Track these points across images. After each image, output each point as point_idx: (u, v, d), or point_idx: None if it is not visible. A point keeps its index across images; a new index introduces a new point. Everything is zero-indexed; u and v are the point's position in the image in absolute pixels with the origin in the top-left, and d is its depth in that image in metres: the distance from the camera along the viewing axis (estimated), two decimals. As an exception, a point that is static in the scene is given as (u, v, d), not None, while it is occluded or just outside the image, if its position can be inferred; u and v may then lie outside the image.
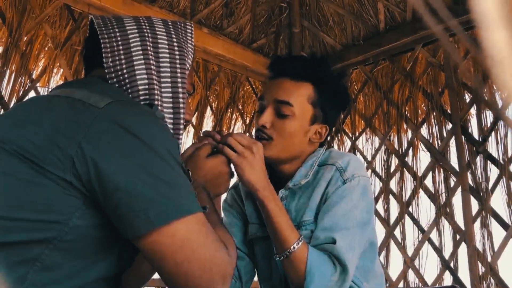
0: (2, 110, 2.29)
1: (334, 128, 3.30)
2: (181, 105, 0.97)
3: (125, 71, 0.92)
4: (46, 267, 0.72)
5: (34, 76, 2.54)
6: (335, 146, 3.33)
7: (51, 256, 0.73)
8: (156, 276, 1.04)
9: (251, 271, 1.46)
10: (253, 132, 1.41)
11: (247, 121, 3.48)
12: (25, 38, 2.50)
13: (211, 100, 3.41)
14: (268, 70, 1.43)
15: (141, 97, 0.92)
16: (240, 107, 3.48)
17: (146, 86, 0.93)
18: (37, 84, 2.51)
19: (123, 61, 0.92)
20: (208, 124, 3.37)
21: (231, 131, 3.40)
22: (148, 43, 0.95)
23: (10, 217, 0.72)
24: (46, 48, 2.70)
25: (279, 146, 1.30)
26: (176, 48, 0.99)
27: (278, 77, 1.37)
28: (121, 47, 0.93)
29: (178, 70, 0.98)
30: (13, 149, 0.75)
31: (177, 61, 0.98)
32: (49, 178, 0.73)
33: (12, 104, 2.34)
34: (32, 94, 2.45)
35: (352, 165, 1.30)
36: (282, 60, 1.44)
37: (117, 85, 0.92)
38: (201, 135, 1.25)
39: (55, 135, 0.75)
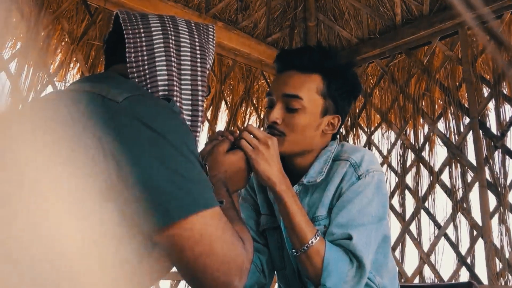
0: (21, 105, 2.32)
1: (349, 123, 3.29)
2: (200, 103, 0.98)
3: (146, 66, 0.93)
4: None
5: (51, 71, 2.56)
6: (351, 141, 3.31)
7: None
8: (172, 269, 1.05)
9: (273, 263, 1.46)
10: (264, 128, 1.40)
11: (262, 116, 3.48)
12: (43, 33, 2.53)
13: (225, 94, 3.41)
14: (275, 64, 1.40)
15: (160, 93, 0.93)
16: (254, 101, 3.48)
17: (166, 82, 0.93)
18: (55, 79, 2.54)
19: (145, 57, 0.93)
20: (222, 119, 3.39)
21: (245, 125, 3.40)
22: (170, 41, 0.96)
23: None
24: (63, 43, 2.73)
25: (292, 141, 1.29)
26: (197, 48, 1.00)
27: (285, 71, 1.35)
28: (144, 43, 0.94)
29: (199, 69, 0.98)
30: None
31: (198, 60, 0.99)
32: (69, 173, 0.74)
33: (30, 99, 2.37)
34: (49, 88, 2.48)
35: (366, 161, 1.29)
36: (288, 52, 1.41)
37: (137, 80, 0.93)
38: (216, 134, 1.25)
39: (75, 130, 0.76)
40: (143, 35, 0.95)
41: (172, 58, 0.95)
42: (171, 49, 0.96)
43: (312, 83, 1.31)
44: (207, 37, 1.04)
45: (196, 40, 1.00)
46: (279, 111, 1.30)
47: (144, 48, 0.94)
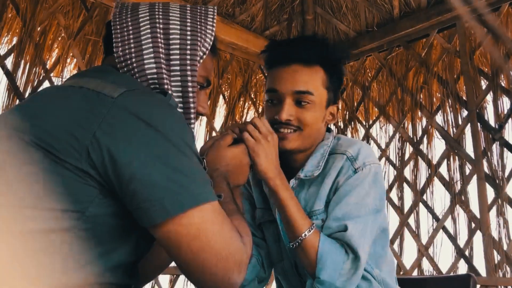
0: (18, 101, 2.32)
1: (348, 116, 3.29)
2: (191, 94, 0.96)
3: (134, 59, 0.92)
4: (65, 255, 0.73)
5: (48, 66, 2.55)
6: (349, 134, 3.31)
7: (70, 244, 0.73)
8: (172, 264, 1.05)
9: (270, 256, 1.46)
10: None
11: (260, 110, 3.47)
12: (39, 29, 2.52)
13: (223, 88, 3.41)
14: (271, 57, 1.35)
15: (151, 86, 0.93)
16: (252, 95, 3.47)
17: (155, 75, 0.93)
18: (51, 74, 2.53)
19: (133, 50, 0.93)
20: (220, 113, 3.38)
21: (243, 119, 3.40)
22: (158, 31, 0.95)
23: (30, 206, 0.73)
24: (60, 38, 2.72)
25: (307, 136, 1.29)
26: (188, 34, 0.97)
27: (287, 64, 1.30)
28: (131, 36, 0.93)
29: (188, 57, 0.96)
30: (31, 140, 0.75)
31: (188, 47, 0.96)
32: (66, 168, 0.74)
33: (27, 94, 2.36)
34: (46, 84, 2.47)
35: (362, 153, 1.29)
36: (288, 44, 1.36)
37: (127, 73, 0.92)
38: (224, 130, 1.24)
39: (71, 125, 0.75)
40: (130, 27, 0.94)
41: (160, 50, 0.94)
42: (159, 40, 0.94)
43: (318, 76, 1.30)
44: (205, 20, 1.01)
45: (188, 26, 0.98)
46: (291, 108, 1.28)
47: (132, 41, 0.93)
